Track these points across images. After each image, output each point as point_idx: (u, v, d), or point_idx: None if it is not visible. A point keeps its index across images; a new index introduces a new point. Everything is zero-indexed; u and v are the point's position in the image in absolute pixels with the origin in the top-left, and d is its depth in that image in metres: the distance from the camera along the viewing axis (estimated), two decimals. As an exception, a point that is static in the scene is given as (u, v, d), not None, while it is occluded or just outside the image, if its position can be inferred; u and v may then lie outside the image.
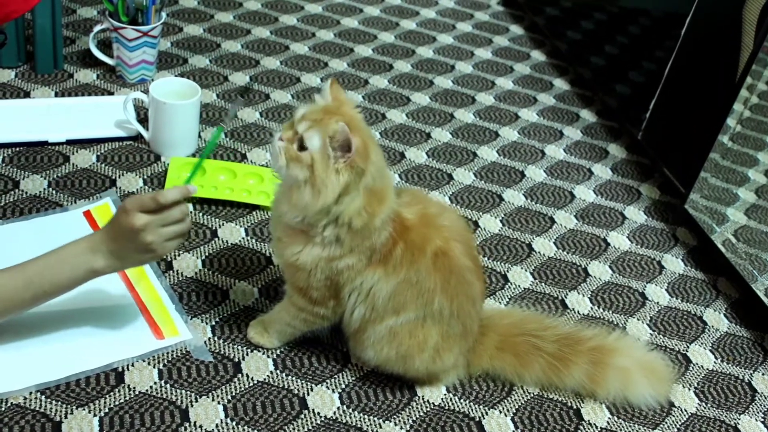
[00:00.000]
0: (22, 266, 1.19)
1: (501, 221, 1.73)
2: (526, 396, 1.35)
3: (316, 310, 1.27)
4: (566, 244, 1.70)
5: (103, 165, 1.66)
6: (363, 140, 1.14)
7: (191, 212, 1.22)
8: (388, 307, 1.23)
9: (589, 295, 1.58)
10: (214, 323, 1.37)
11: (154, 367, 1.28)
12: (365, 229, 1.18)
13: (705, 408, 1.40)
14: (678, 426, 1.35)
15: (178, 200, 1.18)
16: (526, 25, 2.55)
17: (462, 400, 1.33)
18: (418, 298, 1.23)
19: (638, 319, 1.55)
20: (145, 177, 1.65)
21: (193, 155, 1.73)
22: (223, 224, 1.57)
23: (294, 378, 1.31)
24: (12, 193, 1.56)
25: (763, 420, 1.40)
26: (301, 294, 1.26)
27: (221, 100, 1.91)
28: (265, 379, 1.30)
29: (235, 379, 1.29)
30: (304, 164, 1.14)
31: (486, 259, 1.62)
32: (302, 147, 1.14)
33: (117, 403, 1.22)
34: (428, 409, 1.30)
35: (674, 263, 1.71)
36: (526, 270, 1.61)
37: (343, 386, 1.31)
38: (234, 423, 1.22)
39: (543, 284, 1.58)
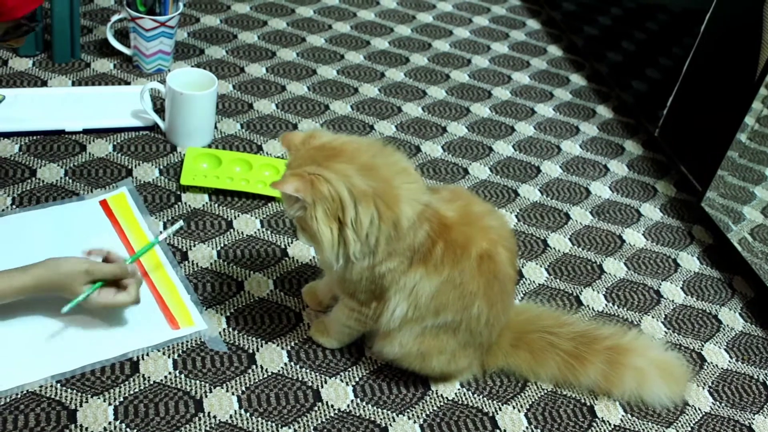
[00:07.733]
0: None
1: (516, 216, 1.72)
2: (540, 392, 1.35)
3: (364, 310, 1.26)
4: (581, 240, 1.69)
5: (119, 154, 1.67)
6: (302, 173, 1.13)
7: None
8: (430, 307, 1.21)
9: (603, 292, 1.57)
10: (228, 314, 1.37)
11: (168, 357, 1.29)
12: (395, 233, 1.16)
13: (719, 407, 1.39)
14: (692, 425, 1.35)
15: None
16: (543, 19, 2.54)
17: (475, 395, 1.33)
18: (459, 300, 1.21)
19: (653, 317, 1.54)
20: (161, 167, 1.65)
21: (209, 146, 1.73)
22: (238, 215, 1.58)
23: (308, 370, 1.31)
24: (29, 181, 1.56)
25: (777, 420, 1.39)
26: (351, 297, 1.26)
27: (237, 91, 1.91)
28: (279, 370, 1.30)
29: (250, 371, 1.29)
30: (299, 230, 1.20)
31: (501, 254, 1.62)
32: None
33: (132, 392, 1.22)
34: (442, 404, 1.30)
35: (690, 261, 1.70)
36: (540, 266, 1.61)
37: (357, 379, 1.31)
38: (248, 414, 1.23)
39: (558, 280, 1.58)
